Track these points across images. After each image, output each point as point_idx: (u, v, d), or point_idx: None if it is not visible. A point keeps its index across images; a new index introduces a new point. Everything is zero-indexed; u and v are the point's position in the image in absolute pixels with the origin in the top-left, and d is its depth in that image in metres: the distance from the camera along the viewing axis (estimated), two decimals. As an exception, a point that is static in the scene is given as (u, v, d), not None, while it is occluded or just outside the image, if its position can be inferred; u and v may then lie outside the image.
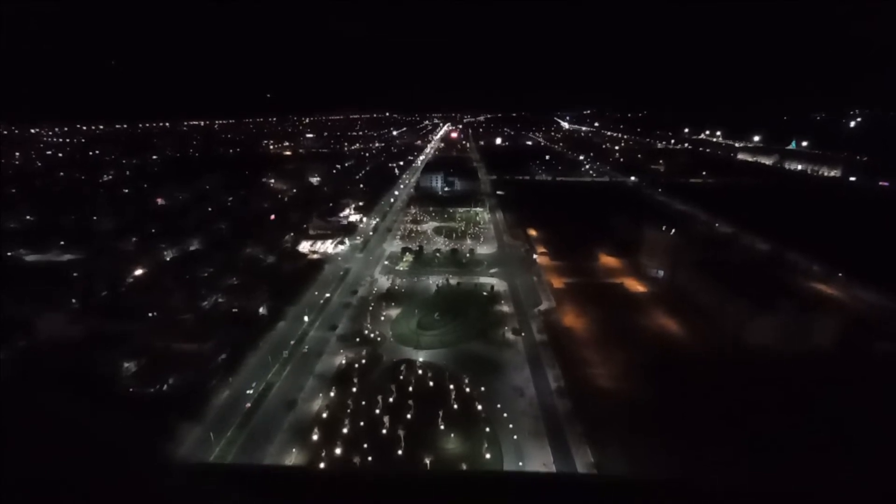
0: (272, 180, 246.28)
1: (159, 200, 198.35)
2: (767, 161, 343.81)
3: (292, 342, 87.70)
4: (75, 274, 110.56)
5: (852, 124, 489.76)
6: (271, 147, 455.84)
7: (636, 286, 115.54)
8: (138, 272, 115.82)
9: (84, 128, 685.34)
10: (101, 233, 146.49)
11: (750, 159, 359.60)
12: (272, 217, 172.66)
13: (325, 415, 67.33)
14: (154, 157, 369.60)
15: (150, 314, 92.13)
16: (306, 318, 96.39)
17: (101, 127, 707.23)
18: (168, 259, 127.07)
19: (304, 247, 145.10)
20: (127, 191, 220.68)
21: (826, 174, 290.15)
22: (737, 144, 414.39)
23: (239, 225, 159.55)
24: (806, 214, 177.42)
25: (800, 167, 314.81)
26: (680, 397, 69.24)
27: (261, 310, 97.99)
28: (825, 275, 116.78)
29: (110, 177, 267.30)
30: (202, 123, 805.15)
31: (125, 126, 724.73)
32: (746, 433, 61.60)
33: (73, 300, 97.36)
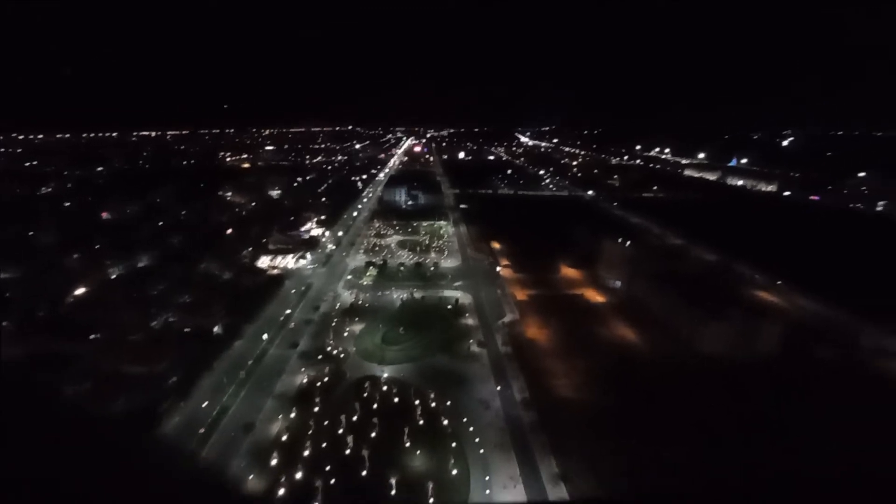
0: (230, 193, 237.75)
1: (104, 214, 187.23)
2: (712, 177, 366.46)
3: (250, 362, 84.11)
4: (7, 294, 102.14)
5: (785, 143, 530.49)
6: (228, 159, 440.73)
7: (596, 297, 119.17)
8: (81, 290, 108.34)
9: (20, 137, 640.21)
10: (40, 248, 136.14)
11: (696, 175, 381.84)
12: (229, 231, 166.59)
13: (284, 437, 64.76)
14: (100, 168, 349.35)
15: (93, 335, 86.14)
16: (265, 336, 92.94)
17: (41, 136, 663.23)
18: (114, 276, 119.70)
19: (264, 262, 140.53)
20: (69, 204, 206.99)
21: (763, 189, 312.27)
22: (683, 161, 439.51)
23: (193, 239, 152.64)
24: (747, 226, 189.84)
25: (740, 182, 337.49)
26: (641, 404, 71.67)
27: (216, 328, 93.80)
28: (766, 283, 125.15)
29: (50, 189, 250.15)
30: (153, 134, 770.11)
31: (67, 136, 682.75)
32: (706, 437, 64.28)
33: (6, 322, 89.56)
